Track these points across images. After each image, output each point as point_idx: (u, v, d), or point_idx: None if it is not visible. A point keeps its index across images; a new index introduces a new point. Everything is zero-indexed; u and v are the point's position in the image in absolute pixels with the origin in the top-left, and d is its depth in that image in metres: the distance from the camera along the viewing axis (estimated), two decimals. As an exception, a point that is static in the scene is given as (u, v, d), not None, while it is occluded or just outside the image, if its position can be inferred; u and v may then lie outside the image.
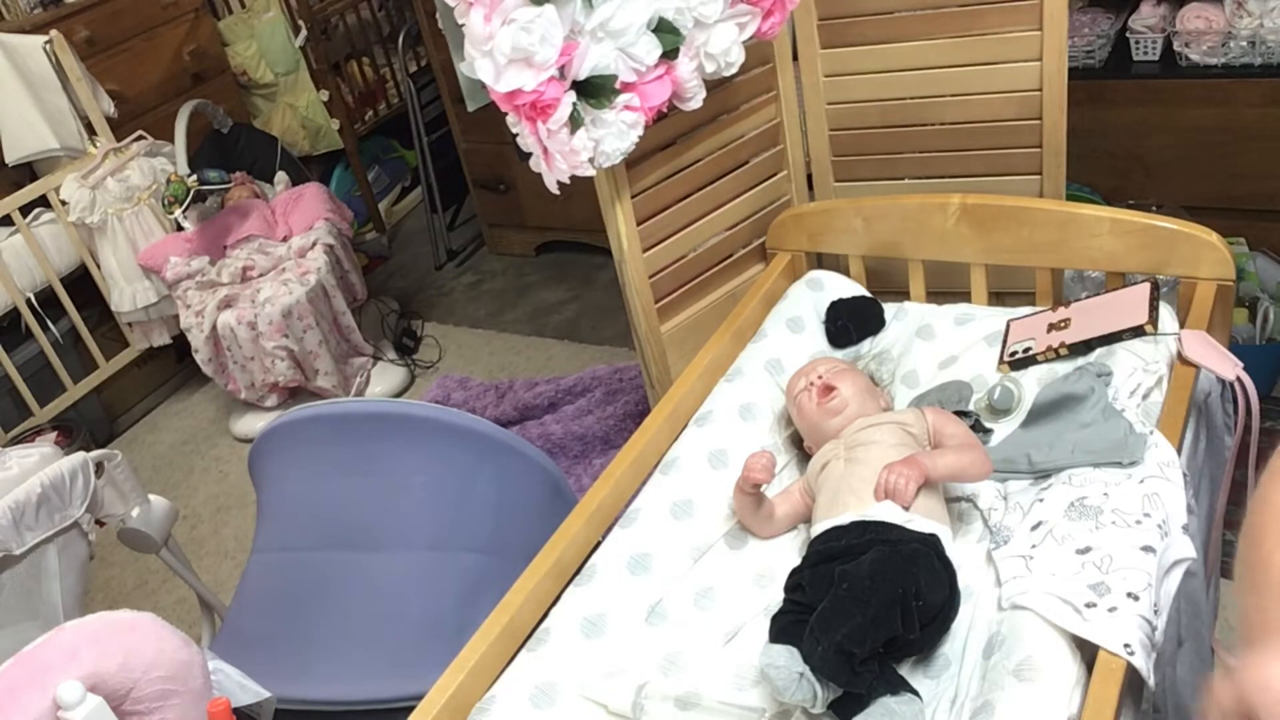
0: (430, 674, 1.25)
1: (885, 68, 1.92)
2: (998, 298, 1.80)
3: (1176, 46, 2.43)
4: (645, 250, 1.79)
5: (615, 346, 3.07)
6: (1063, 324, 1.57)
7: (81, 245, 3.17)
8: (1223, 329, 1.56)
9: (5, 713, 1.05)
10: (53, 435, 2.96)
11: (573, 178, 1.57)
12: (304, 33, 3.74)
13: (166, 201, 3.04)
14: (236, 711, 1.25)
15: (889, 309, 1.80)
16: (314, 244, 3.09)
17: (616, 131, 1.54)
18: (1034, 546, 1.23)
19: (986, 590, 1.25)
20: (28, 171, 3.20)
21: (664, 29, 1.54)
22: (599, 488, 1.48)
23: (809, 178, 2.06)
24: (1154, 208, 2.31)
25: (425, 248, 3.97)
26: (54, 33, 3.02)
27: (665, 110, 1.63)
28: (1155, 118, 2.49)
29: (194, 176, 3.05)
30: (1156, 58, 2.49)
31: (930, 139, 1.95)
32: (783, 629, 1.17)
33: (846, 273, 1.88)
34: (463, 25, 1.46)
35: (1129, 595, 1.11)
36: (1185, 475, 1.29)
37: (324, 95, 3.85)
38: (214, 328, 2.94)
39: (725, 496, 1.49)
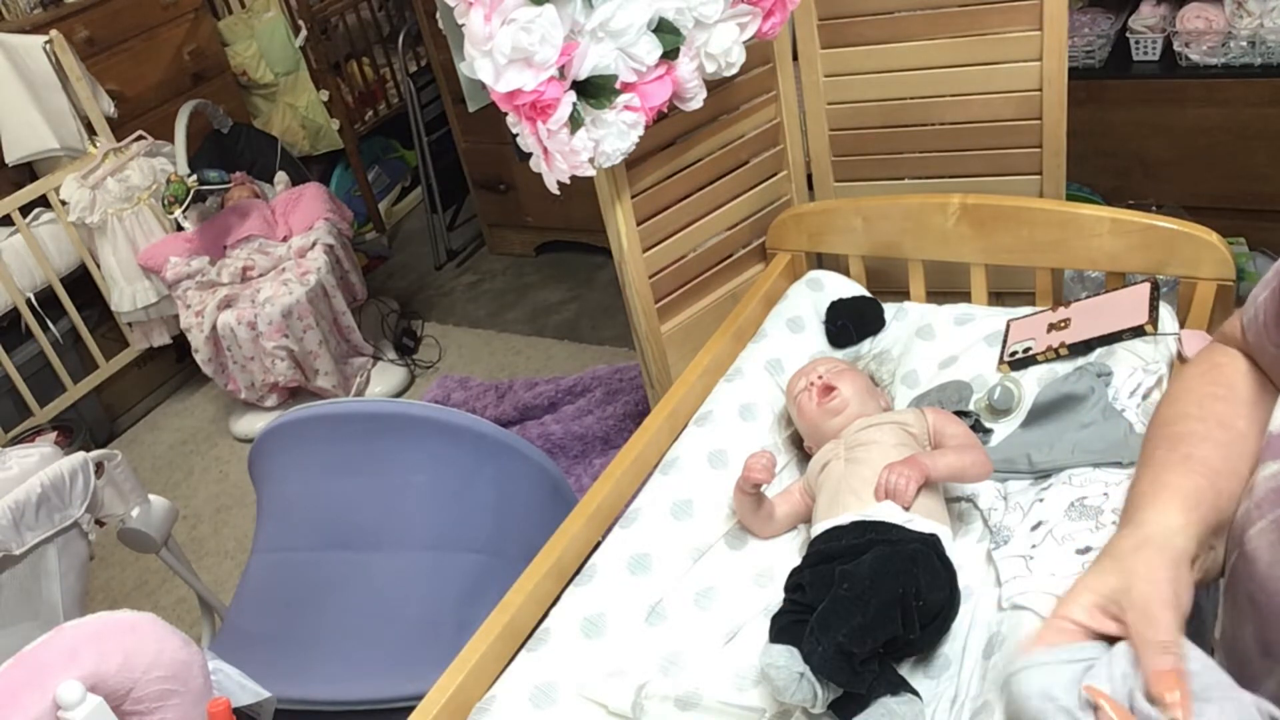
0: (430, 674, 1.25)
1: (885, 68, 1.92)
2: (998, 298, 1.80)
3: (1176, 46, 2.43)
4: (645, 250, 1.79)
5: (615, 346, 3.07)
6: (1063, 324, 1.57)
7: (81, 245, 3.17)
8: (1223, 329, 1.56)
9: (5, 713, 1.05)
10: (53, 435, 2.96)
11: (573, 178, 1.57)
12: (304, 33, 3.74)
13: (166, 201, 3.04)
14: (236, 711, 1.25)
15: (889, 309, 1.80)
16: (314, 244, 3.09)
17: (616, 131, 1.54)
18: (1034, 546, 1.22)
19: (986, 590, 1.25)
20: (28, 171, 3.20)
21: (664, 29, 1.54)
22: (599, 488, 1.48)
23: (809, 178, 2.06)
24: (1154, 208, 2.31)
25: (425, 248, 3.96)
26: (54, 33, 3.02)
27: (665, 110, 1.63)
28: (1155, 118, 2.49)
29: (194, 176, 3.04)
30: (1156, 58, 2.49)
31: (930, 139, 1.95)
32: (783, 629, 1.17)
33: (846, 273, 1.88)
34: (463, 25, 1.46)
35: (1129, 595, 1.10)
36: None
37: (324, 95, 3.85)
38: (214, 328, 2.94)
39: (725, 496, 1.49)
